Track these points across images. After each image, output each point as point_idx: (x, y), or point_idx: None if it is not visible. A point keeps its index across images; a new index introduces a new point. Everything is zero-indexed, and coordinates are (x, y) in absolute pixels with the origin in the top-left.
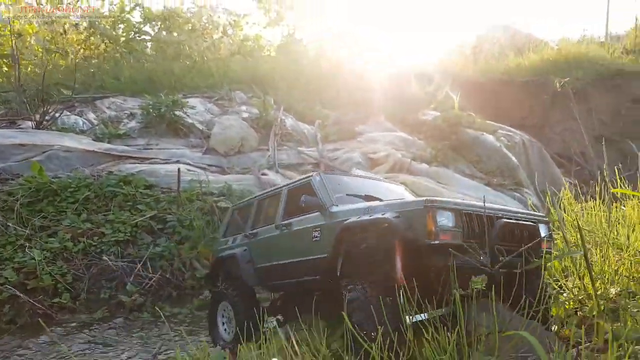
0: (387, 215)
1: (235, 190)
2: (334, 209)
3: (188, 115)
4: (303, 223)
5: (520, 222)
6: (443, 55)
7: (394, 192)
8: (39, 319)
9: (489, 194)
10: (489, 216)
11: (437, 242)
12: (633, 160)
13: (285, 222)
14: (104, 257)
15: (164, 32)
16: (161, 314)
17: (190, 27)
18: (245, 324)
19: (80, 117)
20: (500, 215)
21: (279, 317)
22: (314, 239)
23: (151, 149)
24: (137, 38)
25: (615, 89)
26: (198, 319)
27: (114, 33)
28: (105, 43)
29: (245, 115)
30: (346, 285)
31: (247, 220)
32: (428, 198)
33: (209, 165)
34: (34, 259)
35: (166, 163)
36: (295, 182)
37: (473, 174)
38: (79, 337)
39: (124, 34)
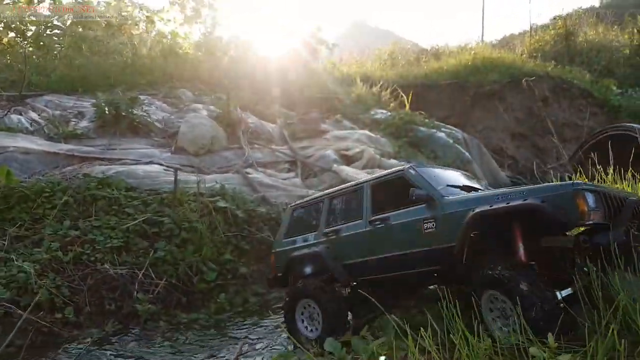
0: (531, 200)
1: (227, 190)
2: (446, 199)
3: (148, 114)
4: (405, 216)
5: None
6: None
7: (477, 184)
8: (45, 337)
9: None
10: (620, 196)
11: (590, 221)
12: (548, 153)
13: (379, 217)
14: (105, 266)
15: (80, 28)
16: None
17: (105, 24)
18: (335, 318)
19: (21, 116)
20: (626, 195)
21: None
22: (427, 230)
23: (114, 149)
24: (49, 32)
25: (527, 90)
26: (219, 322)
27: (21, 27)
28: (10, 37)
29: (204, 113)
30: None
31: (316, 218)
32: (574, 182)
33: (183, 165)
34: (23, 272)
35: (138, 163)
36: (382, 176)
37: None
38: (102, 354)
39: (32, 28)
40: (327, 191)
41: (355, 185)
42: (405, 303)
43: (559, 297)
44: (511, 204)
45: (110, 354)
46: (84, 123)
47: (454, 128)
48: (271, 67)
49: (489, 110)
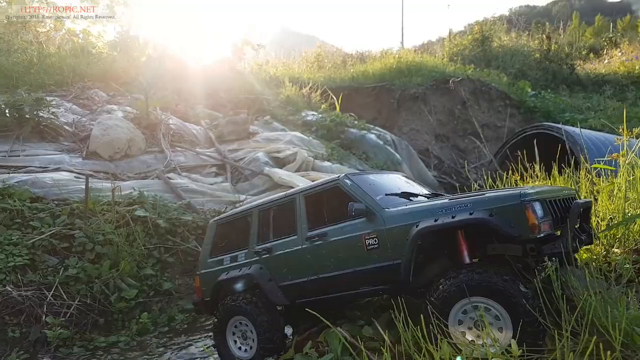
0: (479, 215)
1: (147, 197)
2: (387, 212)
3: (56, 117)
4: (345, 232)
5: (583, 200)
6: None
7: (415, 186)
8: None
9: None
10: (566, 198)
11: (542, 234)
12: (470, 153)
13: (316, 232)
14: (7, 288)
15: None
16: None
17: (6, 20)
18: (270, 335)
19: None
20: (567, 195)
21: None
22: (370, 247)
23: (17, 155)
24: None
25: (448, 92)
26: (142, 344)
27: None
28: None
29: (120, 115)
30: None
31: (245, 234)
32: (521, 192)
33: (96, 171)
34: None
35: (45, 171)
36: (315, 187)
37: (365, 170)
38: None
39: None
40: (255, 203)
41: (286, 196)
42: (350, 313)
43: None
44: (457, 218)
45: None
46: None
47: (383, 130)
48: (194, 67)
49: (414, 112)
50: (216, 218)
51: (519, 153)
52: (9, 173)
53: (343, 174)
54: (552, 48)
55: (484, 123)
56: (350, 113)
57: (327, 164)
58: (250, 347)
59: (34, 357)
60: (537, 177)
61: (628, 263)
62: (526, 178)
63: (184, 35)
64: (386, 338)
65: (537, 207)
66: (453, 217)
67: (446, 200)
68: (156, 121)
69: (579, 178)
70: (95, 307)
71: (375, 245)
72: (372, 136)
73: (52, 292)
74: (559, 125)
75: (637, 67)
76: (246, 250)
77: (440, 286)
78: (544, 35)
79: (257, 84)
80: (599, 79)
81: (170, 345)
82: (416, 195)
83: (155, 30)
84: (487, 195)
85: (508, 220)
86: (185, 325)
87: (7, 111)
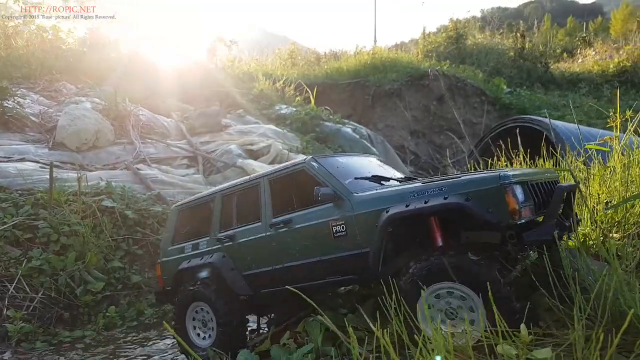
0: (454, 199)
1: (115, 188)
2: (356, 197)
3: (21, 107)
4: (311, 218)
5: (567, 184)
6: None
7: (388, 169)
8: None
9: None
10: (549, 182)
11: (522, 220)
12: (446, 149)
13: (281, 219)
14: None
15: None
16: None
17: None
18: (230, 324)
19: None
20: (550, 178)
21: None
22: (337, 235)
23: None
24: None
25: (424, 88)
26: (109, 339)
27: None
28: None
29: (88, 105)
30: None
31: (208, 221)
32: (501, 173)
33: (62, 162)
34: None
35: (9, 161)
36: (280, 170)
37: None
38: None
39: None
40: (218, 187)
41: (250, 180)
42: (332, 302)
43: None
44: (430, 203)
45: None
46: None
47: (358, 125)
48: (166, 63)
49: (389, 108)
50: (178, 203)
51: (501, 143)
52: None
53: (310, 157)
54: (527, 46)
55: (460, 119)
56: (326, 107)
57: (302, 156)
58: (209, 335)
59: None
60: (523, 164)
61: (630, 247)
62: (514, 164)
63: (157, 33)
64: (373, 327)
65: (518, 190)
66: (426, 202)
67: (419, 184)
68: (125, 113)
69: (567, 165)
70: (60, 300)
71: (343, 233)
72: (348, 130)
73: (14, 284)
74: (540, 118)
75: (611, 66)
76: (208, 238)
77: (410, 270)
78: (518, 34)
79: (229, 79)
80: (574, 78)
81: (138, 340)
82: (388, 179)
83: (128, 29)
84: (463, 177)
85: (486, 204)
86: (155, 320)
87: None
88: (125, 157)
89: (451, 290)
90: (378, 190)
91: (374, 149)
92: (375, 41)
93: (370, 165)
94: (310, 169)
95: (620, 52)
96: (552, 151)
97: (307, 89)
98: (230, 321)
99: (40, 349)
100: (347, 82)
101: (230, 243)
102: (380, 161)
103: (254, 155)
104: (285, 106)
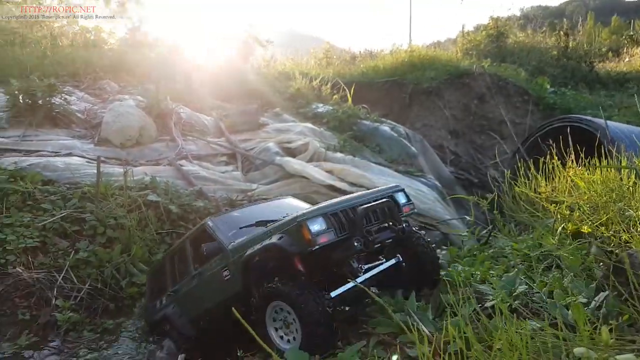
0: (274, 239)
1: (159, 183)
2: (231, 246)
3: (69, 103)
4: (212, 268)
5: (376, 202)
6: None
7: (284, 209)
8: None
9: (405, 179)
10: (352, 207)
11: (320, 244)
12: (488, 150)
13: (198, 270)
14: (17, 269)
15: None
16: None
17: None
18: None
19: None
20: (359, 203)
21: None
22: (226, 278)
23: (30, 140)
24: None
25: (464, 87)
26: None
27: None
28: None
29: (132, 103)
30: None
31: (166, 279)
32: (298, 216)
33: (108, 157)
34: None
35: (57, 155)
36: (194, 229)
37: (379, 162)
38: None
39: None
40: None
41: (180, 242)
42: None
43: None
44: (257, 247)
45: None
46: None
47: (396, 123)
48: (203, 62)
49: (427, 107)
50: (148, 270)
51: (551, 142)
52: (21, 156)
53: (209, 218)
54: (570, 45)
55: (501, 119)
56: (364, 105)
57: (339, 155)
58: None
59: (44, 339)
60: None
61: None
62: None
63: (193, 33)
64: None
65: (315, 222)
66: (259, 244)
67: (263, 229)
68: (167, 110)
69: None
70: (106, 291)
71: (229, 276)
72: (386, 128)
73: (62, 275)
74: (590, 118)
75: None
76: (166, 294)
77: (260, 290)
78: (562, 32)
79: (266, 78)
80: (621, 77)
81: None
82: (274, 221)
83: (165, 28)
84: (284, 219)
85: (291, 239)
86: None
87: (20, 97)
88: (168, 154)
89: (281, 307)
90: (243, 238)
91: (413, 148)
92: (410, 41)
93: (277, 209)
94: (207, 227)
95: None
96: (605, 152)
97: (345, 88)
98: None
99: (87, 338)
100: (383, 80)
101: (176, 296)
102: (298, 201)
103: (291, 153)
104: (322, 105)
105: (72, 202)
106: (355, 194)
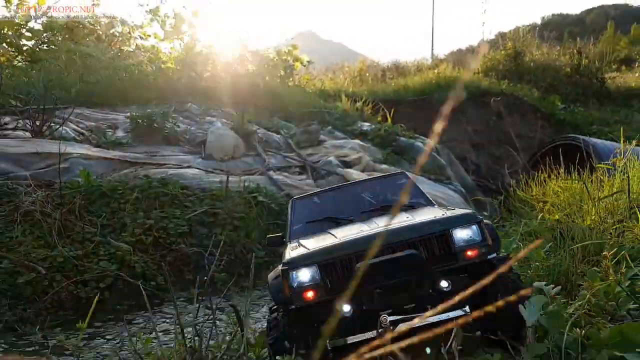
0: (272, 275)
1: (262, 188)
2: (288, 245)
3: (178, 126)
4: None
5: (392, 256)
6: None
7: (385, 192)
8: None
9: (437, 186)
10: (353, 255)
11: (299, 304)
12: (504, 161)
13: None
14: (181, 245)
15: (72, 43)
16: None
17: (95, 37)
18: None
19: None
20: (362, 251)
21: None
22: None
23: (156, 155)
24: (45, 48)
25: (484, 105)
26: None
27: (19, 42)
28: (9, 52)
29: (219, 125)
30: None
31: None
32: (289, 258)
33: (214, 169)
34: (119, 251)
35: (180, 167)
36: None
37: (415, 172)
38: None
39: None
40: None
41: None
42: None
43: None
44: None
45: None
46: (119, 133)
47: (425, 138)
48: (253, 82)
49: (452, 123)
50: None
51: (549, 159)
52: (154, 168)
53: (294, 197)
54: (583, 62)
55: (517, 134)
56: (401, 124)
57: (384, 166)
58: None
59: (205, 293)
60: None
61: None
62: (552, 177)
63: (234, 49)
64: None
65: (297, 274)
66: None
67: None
68: (250, 130)
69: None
70: (237, 262)
71: None
72: (419, 144)
73: (208, 251)
74: (578, 136)
75: None
76: None
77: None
78: (575, 50)
79: (312, 97)
80: (629, 93)
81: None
82: (345, 219)
83: (217, 47)
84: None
85: (277, 290)
86: None
87: (139, 121)
88: (256, 166)
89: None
90: (290, 248)
91: (442, 160)
92: (432, 54)
93: (376, 191)
94: (288, 207)
95: None
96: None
97: (383, 107)
98: None
99: (232, 290)
100: (413, 98)
101: None
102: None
103: (347, 165)
104: (367, 124)
105: (206, 202)
106: (372, 232)
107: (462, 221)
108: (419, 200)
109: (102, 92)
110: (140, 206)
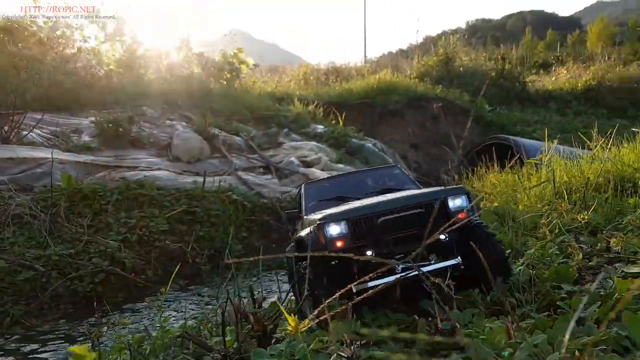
0: (303, 233)
1: (235, 187)
2: (305, 219)
3: (144, 130)
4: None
5: (403, 212)
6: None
7: (383, 179)
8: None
9: None
10: (374, 215)
11: (331, 250)
12: (440, 159)
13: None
14: (166, 242)
15: (12, 46)
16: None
17: (37, 40)
18: None
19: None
20: (381, 211)
21: None
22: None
23: (125, 159)
24: None
25: (421, 108)
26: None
27: None
28: None
29: (180, 128)
30: None
31: None
32: (323, 215)
33: (184, 170)
34: (109, 248)
35: (151, 169)
36: (297, 193)
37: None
38: (188, 297)
39: None
40: None
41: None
42: None
43: None
44: (301, 234)
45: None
46: (85, 138)
47: (373, 139)
48: (205, 86)
49: (392, 125)
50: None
51: (483, 156)
52: (130, 171)
53: (305, 182)
54: (506, 67)
55: (450, 134)
56: (352, 127)
57: (340, 165)
58: None
59: (192, 282)
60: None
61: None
62: (488, 172)
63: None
64: None
65: (332, 227)
66: (304, 230)
67: (313, 217)
68: (212, 134)
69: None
70: (217, 256)
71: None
72: (370, 145)
73: (190, 246)
74: (508, 136)
75: (579, 85)
76: None
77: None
78: (499, 56)
79: (269, 102)
80: (547, 95)
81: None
82: (353, 198)
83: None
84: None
85: (315, 237)
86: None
87: (105, 126)
88: (222, 167)
89: None
90: (310, 216)
91: (390, 159)
92: (365, 56)
93: (376, 178)
94: (300, 191)
95: (587, 72)
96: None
97: (334, 110)
98: None
99: (217, 281)
100: (357, 102)
101: None
102: (401, 172)
103: (308, 165)
104: (320, 126)
105: (182, 201)
106: (389, 198)
107: (455, 192)
108: (411, 186)
109: (59, 96)
110: (121, 207)
